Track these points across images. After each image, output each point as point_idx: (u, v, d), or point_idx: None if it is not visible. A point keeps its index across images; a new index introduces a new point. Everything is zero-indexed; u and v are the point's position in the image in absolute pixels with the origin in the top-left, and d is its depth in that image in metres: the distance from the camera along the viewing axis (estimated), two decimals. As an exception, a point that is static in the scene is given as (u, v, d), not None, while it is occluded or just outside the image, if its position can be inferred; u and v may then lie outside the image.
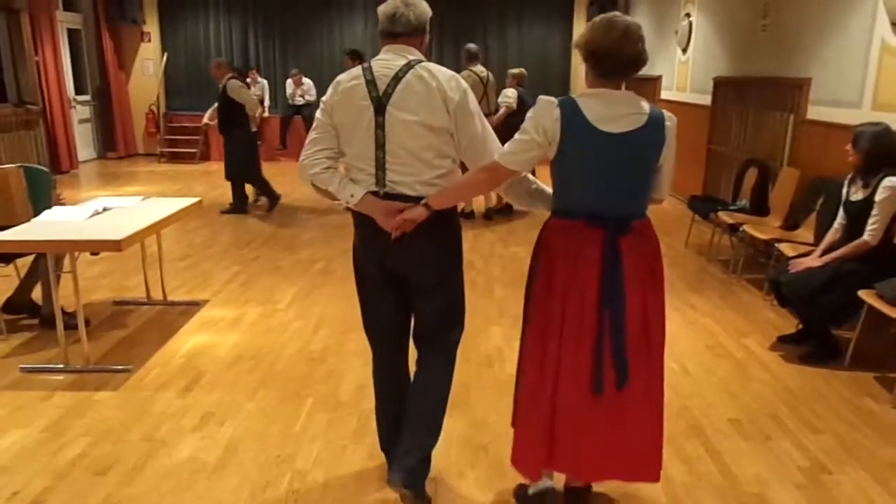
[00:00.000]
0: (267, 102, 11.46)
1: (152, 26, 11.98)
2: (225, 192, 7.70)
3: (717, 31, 7.55)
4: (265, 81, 11.63)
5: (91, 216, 3.66)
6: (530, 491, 2.47)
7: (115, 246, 3.25)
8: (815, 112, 5.41)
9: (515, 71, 7.54)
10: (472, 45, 7.40)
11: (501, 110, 7.18)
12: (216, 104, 7.44)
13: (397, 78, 2.21)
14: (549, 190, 2.28)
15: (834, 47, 5.13)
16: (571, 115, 2.06)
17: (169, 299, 4.52)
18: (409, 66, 2.22)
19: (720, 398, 3.35)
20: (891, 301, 3.39)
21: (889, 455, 2.86)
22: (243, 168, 7.39)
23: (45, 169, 4.01)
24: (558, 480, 2.50)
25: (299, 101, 11.42)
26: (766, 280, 4.27)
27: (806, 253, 4.03)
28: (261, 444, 2.84)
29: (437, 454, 2.49)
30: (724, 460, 2.80)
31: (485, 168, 2.20)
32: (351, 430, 2.97)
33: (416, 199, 2.22)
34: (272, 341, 3.91)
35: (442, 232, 2.32)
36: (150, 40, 12.00)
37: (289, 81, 11.51)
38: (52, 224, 3.50)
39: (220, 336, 3.99)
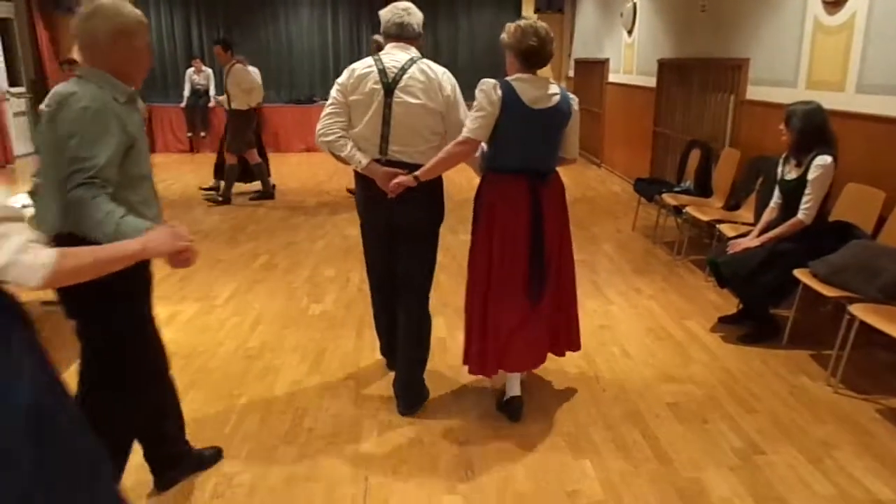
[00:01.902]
0: (212, 91, 11.16)
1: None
2: (170, 184, 7.43)
3: (660, 13, 7.57)
4: (210, 70, 11.32)
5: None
6: (504, 397, 3.05)
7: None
8: (754, 92, 5.45)
9: (379, 38, 7.39)
10: (378, 37, 7.33)
11: None
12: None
13: (403, 69, 2.84)
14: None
15: (770, 27, 5.17)
16: (509, 94, 2.72)
17: (100, 299, 4.34)
18: (412, 60, 2.87)
19: (659, 381, 3.35)
20: (824, 279, 3.43)
21: (821, 433, 2.89)
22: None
23: None
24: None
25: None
26: (706, 262, 4.29)
27: (745, 233, 4.06)
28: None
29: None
30: (660, 446, 2.79)
31: (460, 142, 2.77)
32: (284, 429, 2.88)
33: (412, 166, 2.83)
34: (207, 339, 3.79)
35: (429, 198, 2.96)
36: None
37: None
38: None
39: (153, 336, 3.84)
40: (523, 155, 2.80)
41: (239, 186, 7.60)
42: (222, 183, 7.54)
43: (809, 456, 2.72)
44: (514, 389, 3.03)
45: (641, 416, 3.02)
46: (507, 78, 2.78)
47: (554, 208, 2.90)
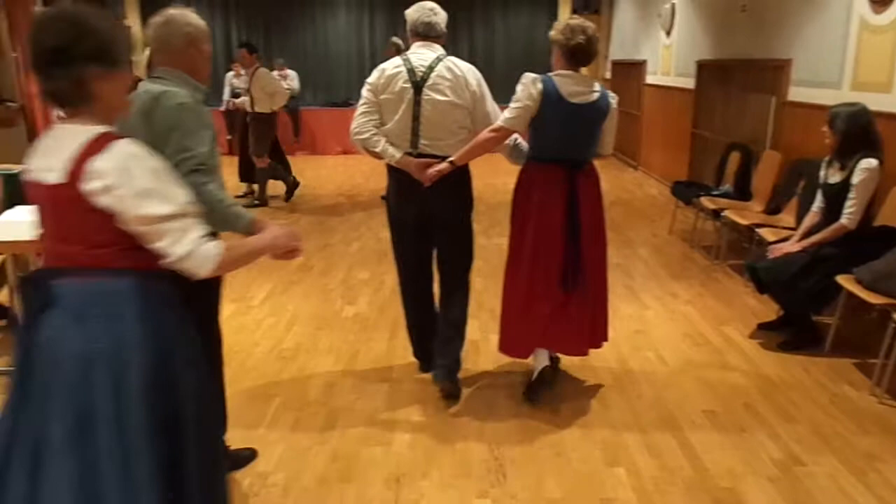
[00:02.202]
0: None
1: (133, 20, 11.82)
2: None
3: (699, 13, 7.45)
4: (249, 74, 11.49)
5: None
6: (532, 378, 3.17)
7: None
8: (796, 93, 5.33)
9: (397, 40, 7.10)
10: (397, 39, 7.20)
11: None
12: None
13: (431, 68, 2.97)
14: (525, 147, 3.13)
15: (814, 27, 5.05)
16: (550, 89, 2.91)
17: (140, 299, 4.43)
18: (438, 59, 2.99)
19: (696, 388, 3.29)
20: (868, 286, 3.33)
21: (865, 444, 2.81)
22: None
23: (11, 170, 3.90)
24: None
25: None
26: (745, 267, 4.21)
27: (785, 238, 3.97)
28: (223, 447, 2.77)
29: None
30: (696, 453, 2.75)
31: (493, 129, 2.97)
32: (317, 430, 2.91)
33: (441, 158, 2.98)
34: (243, 339, 3.84)
35: (459, 186, 3.12)
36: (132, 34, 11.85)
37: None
38: (11, 224, 3.40)
39: (191, 336, 3.92)
40: (561, 145, 2.99)
41: (273, 187, 7.69)
42: (255, 186, 7.64)
43: (852, 468, 2.65)
44: (543, 361, 3.14)
45: (677, 423, 2.98)
46: (550, 73, 2.98)
47: (589, 196, 3.07)
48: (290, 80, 11.24)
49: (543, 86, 2.91)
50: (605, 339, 3.31)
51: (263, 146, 7.35)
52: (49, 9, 1.56)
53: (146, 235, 1.56)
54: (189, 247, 1.57)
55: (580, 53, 2.93)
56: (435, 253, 3.25)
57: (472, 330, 3.92)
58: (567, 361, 3.53)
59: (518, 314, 3.08)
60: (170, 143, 2.04)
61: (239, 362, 3.55)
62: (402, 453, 2.74)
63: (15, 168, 3.89)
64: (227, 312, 4.23)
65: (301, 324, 4.07)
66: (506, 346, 3.20)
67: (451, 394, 3.16)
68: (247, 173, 7.74)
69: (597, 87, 2.99)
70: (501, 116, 2.99)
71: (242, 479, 2.57)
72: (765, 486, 2.54)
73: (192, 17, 2.21)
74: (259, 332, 3.95)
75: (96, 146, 1.51)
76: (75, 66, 1.49)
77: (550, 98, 2.90)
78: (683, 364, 3.56)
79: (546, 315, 3.01)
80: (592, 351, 3.30)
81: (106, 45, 1.53)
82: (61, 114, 1.62)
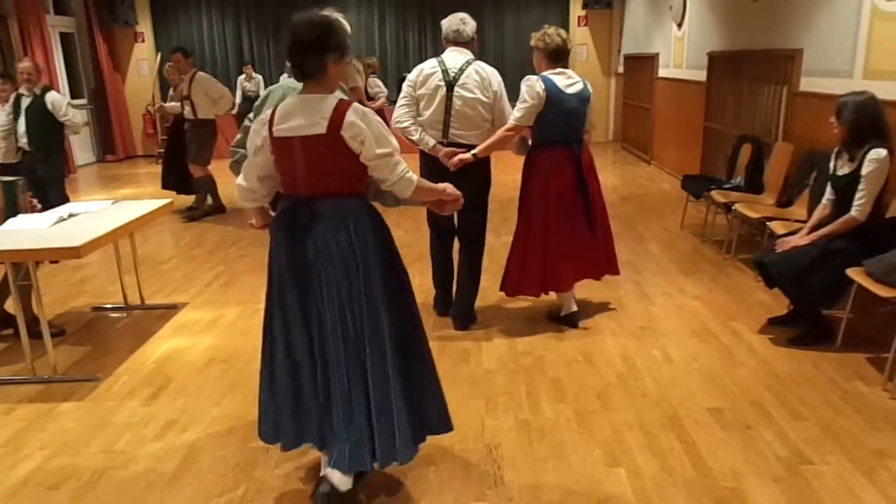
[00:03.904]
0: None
1: (145, 26, 11.94)
2: (221, 190, 7.41)
3: (710, 5, 7.34)
4: (260, 77, 11.55)
5: (55, 223, 3.60)
6: (562, 313, 3.95)
7: (73, 253, 3.19)
8: (807, 83, 5.22)
9: (373, 61, 8.61)
10: (372, 60, 8.66)
11: (381, 100, 8.14)
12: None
13: (461, 70, 3.61)
14: (529, 142, 3.78)
15: (825, 15, 4.94)
16: (551, 86, 3.55)
17: (147, 303, 4.46)
18: (468, 62, 3.64)
19: (701, 386, 3.23)
20: (879, 279, 3.24)
21: (875, 442, 2.73)
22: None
23: (11, 178, 3.93)
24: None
25: None
26: (752, 261, 4.13)
27: (795, 231, 3.88)
28: (222, 451, 2.76)
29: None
30: (699, 453, 2.69)
31: (508, 128, 3.60)
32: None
33: (467, 146, 3.62)
34: (248, 342, 3.83)
35: (480, 170, 3.73)
36: (143, 41, 11.97)
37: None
38: (13, 233, 3.44)
39: (195, 339, 3.93)
40: (565, 129, 3.65)
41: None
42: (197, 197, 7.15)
43: (861, 466, 2.57)
44: (571, 306, 3.93)
45: (680, 422, 2.92)
46: (542, 73, 3.60)
47: (589, 168, 3.79)
48: (255, 84, 11.22)
49: (545, 83, 3.53)
50: (618, 272, 4.08)
51: (207, 154, 7.00)
52: (306, 13, 2.17)
53: (376, 168, 2.20)
54: (401, 175, 2.23)
55: (560, 53, 3.60)
56: (456, 222, 3.88)
57: (474, 330, 3.91)
58: (572, 357, 3.49)
59: (539, 261, 3.78)
60: None
61: (242, 366, 3.55)
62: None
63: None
64: (232, 316, 4.25)
65: (305, 326, 4.06)
66: (515, 288, 3.91)
67: (463, 325, 3.91)
68: (180, 184, 7.18)
69: (578, 78, 3.67)
70: (512, 116, 3.57)
71: (238, 484, 2.55)
72: (769, 486, 2.47)
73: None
74: (262, 335, 3.94)
75: (343, 107, 2.14)
76: (323, 54, 2.14)
77: (552, 92, 3.53)
78: (690, 361, 3.50)
79: (573, 253, 3.78)
80: (597, 348, 3.40)
81: (342, 41, 2.19)
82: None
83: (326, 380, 2.21)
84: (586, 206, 3.74)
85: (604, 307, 4.25)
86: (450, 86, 3.57)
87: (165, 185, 7.42)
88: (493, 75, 3.66)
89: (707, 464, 2.62)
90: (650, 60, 9.52)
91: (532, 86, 3.51)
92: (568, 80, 3.60)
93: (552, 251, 3.75)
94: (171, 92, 7.55)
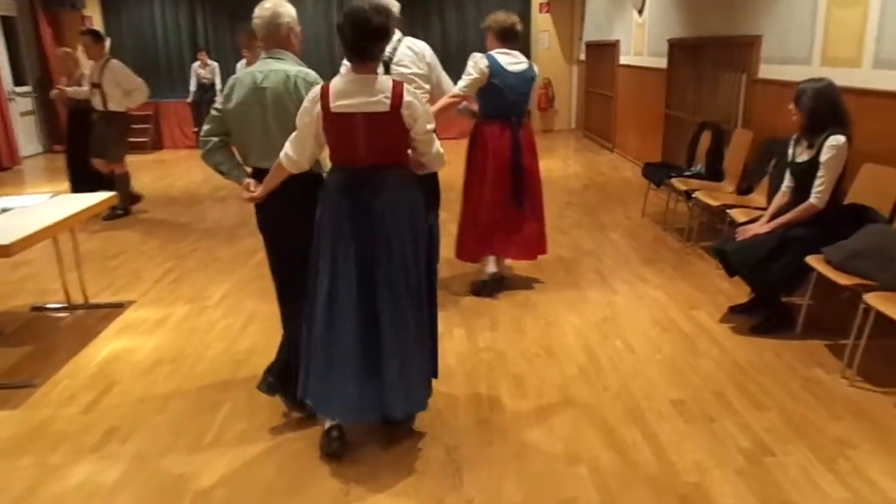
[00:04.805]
0: (218, 86, 11.06)
1: (93, 10, 11.50)
2: (174, 181, 7.22)
3: (670, -9, 7.30)
4: (216, 64, 11.22)
5: (-14, 219, 3.39)
6: (481, 279, 4.26)
7: (3, 251, 2.99)
8: (766, 70, 5.22)
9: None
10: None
11: None
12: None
13: (394, 48, 3.64)
14: (474, 108, 4.09)
15: (784, 2, 4.92)
16: (494, 63, 3.90)
17: (91, 302, 4.25)
18: (399, 41, 3.66)
19: (664, 377, 3.18)
20: (839, 266, 3.23)
21: (835, 430, 2.71)
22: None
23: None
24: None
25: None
26: (712, 249, 4.10)
27: (755, 219, 3.85)
28: (165, 461, 2.61)
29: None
30: (662, 446, 2.63)
31: (451, 95, 3.84)
32: (264, 440, 2.76)
33: None
34: (195, 342, 3.68)
35: None
36: (91, 25, 11.51)
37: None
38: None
39: (141, 339, 3.74)
40: (506, 105, 3.96)
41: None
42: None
43: (822, 456, 2.55)
44: (491, 268, 4.23)
45: (643, 415, 2.86)
46: (490, 52, 3.95)
47: (528, 144, 4.09)
48: (210, 71, 10.97)
49: (489, 60, 3.89)
50: (545, 251, 4.31)
51: (122, 149, 6.51)
52: (366, 2, 2.39)
53: (422, 142, 2.49)
54: (438, 149, 2.55)
55: (508, 33, 3.93)
56: None
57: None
58: (533, 352, 3.42)
59: (475, 227, 4.09)
60: None
61: (188, 368, 3.39)
62: (356, 459, 2.60)
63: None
64: (179, 315, 4.08)
65: (258, 324, 3.90)
66: (462, 254, 4.24)
67: None
68: (86, 181, 6.28)
69: (524, 59, 3.99)
70: (458, 85, 3.85)
71: (182, 497, 2.42)
72: (732, 480, 2.43)
73: (288, 7, 2.78)
74: (212, 334, 3.78)
75: (399, 87, 2.40)
76: (385, 38, 2.45)
77: (495, 69, 3.88)
78: (652, 352, 3.45)
79: (498, 225, 4.05)
80: (559, 341, 3.36)
81: (393, 25, 2.54)
82: None
83: (377, 333, 2.45)
84: (518, 182, 4.00)
85: (565, 298, 4.18)
86: (386, 66, 3.62)
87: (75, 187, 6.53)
88: (425, 49, 3.75)
89: (670, 458, 2.56)
90: (611, 48, 9.49)
91: (477, 62, 3.87)
92: (513, 60, 3.92)
93: (484, 218, 4.03)
94: (63, 80, 6.75)
